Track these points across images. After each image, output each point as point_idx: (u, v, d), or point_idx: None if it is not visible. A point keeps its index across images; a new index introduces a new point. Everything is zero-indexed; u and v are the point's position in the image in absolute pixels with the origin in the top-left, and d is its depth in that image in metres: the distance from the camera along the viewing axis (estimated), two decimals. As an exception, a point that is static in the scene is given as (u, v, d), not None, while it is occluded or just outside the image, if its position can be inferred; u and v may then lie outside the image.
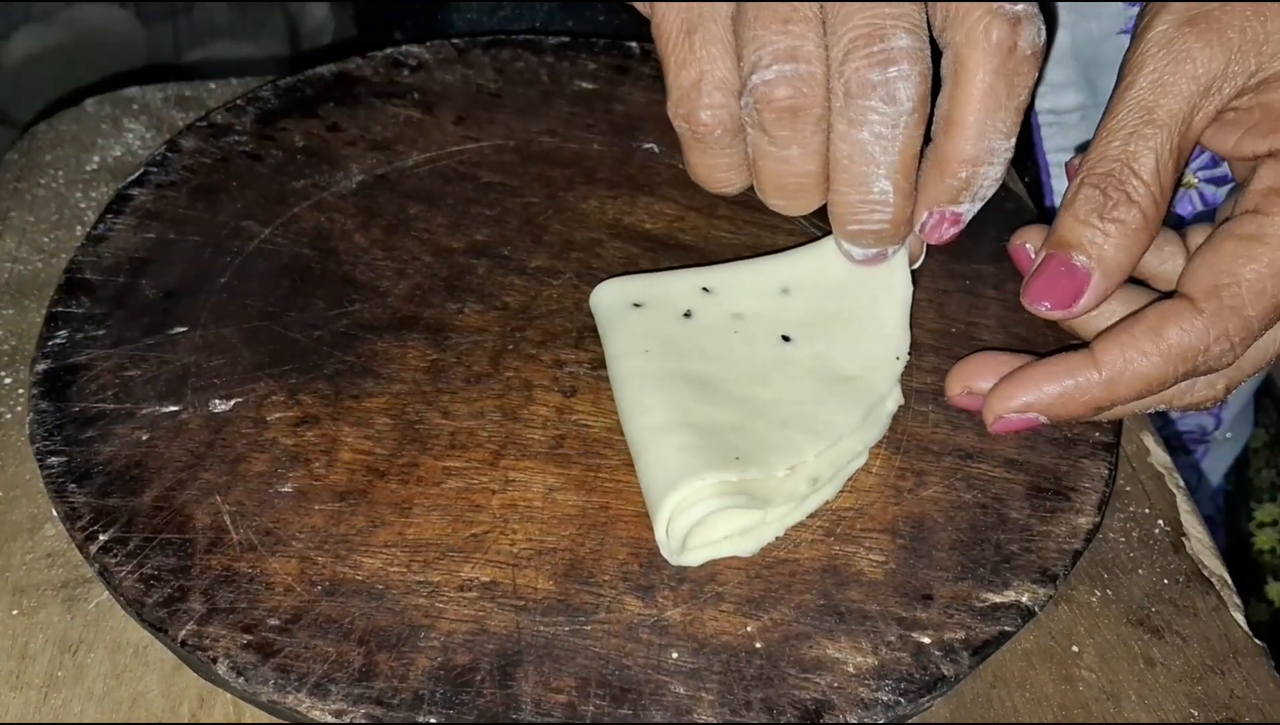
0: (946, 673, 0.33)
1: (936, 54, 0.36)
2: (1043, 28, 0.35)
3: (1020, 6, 0.35)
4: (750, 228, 0.46)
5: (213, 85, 0.55)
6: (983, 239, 0.45)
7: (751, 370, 0.39)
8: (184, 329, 0.41)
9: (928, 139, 0.37)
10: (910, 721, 0.34)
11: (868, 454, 0.38)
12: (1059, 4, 0.54)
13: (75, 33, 1.16)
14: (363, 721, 0.31)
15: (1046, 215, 0.48)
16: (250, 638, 0.33)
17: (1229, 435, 0.70)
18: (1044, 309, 0.37)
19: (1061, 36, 0.54)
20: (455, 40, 0.54)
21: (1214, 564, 0.39)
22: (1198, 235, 0.39)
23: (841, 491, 0.37)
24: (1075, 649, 0.37)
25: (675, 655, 0.33)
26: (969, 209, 0.38)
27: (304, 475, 0.37)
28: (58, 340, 0.40)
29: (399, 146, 0.49)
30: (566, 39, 0.55)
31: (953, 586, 0.35)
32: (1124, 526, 0.40)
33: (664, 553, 0.35)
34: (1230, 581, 0.39)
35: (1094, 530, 0.37)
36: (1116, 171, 0.36)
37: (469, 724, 0.31)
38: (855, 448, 0.38)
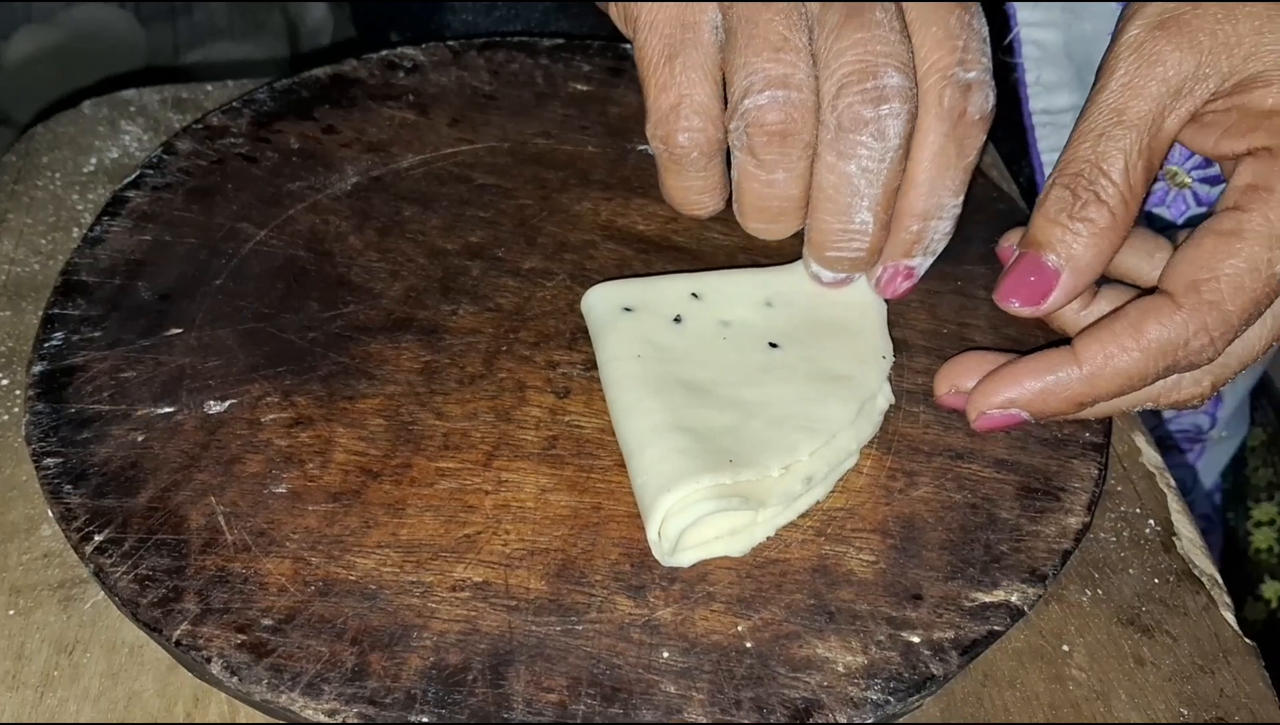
0: (935, 672, 0.33)
1: None
2: (992, 93, 0.37)
3: (972, 74, 0.37)
4: (742, 229, 0.46)
5: (209, 87, 0.55)
6: (974, 241, 0.45)
7: (742, 373, 0.39)
8: (179, 331, 0.41)
9: None
10: (900, 720, 0.34)
11: (859, 454, 0.39)
12: (1055, 3, 0.54)
13: (75, 33, 1.16)
14: (355, 721, 0.32)
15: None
16: (244, 637, 0.33)
17: (1224, 434, 0.70)
18: (1014, 306, 0.38)
19: (1054, 37, 0.55)
20: (450, 42, 0.54)
21: (1204, 563, 0.40)
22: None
23: (832, 492, 0.38)
24: (1066, 648, 0.37)
25: (666, 655, 0.33)
26: (921, 263, 0.40)
27: (298, 476, 0.37)
28: (54, 342, 0.41)
29: (394, 148, 0.49)
30: (561, 41, 0.55)
31: (942, 586, 0.35)
32: (1115, 526, 0.40)
33: (656, 554, 0.35)
34: (1220, 581, 0.39)
35: (1084, 530, 0.37)
36: (1086, 172, 0.36)
37: (461, 723, 0.32)
38: (849, 446, 0.38)
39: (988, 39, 0.38)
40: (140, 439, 0.38)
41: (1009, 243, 0.41)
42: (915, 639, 0.34)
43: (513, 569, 0.35)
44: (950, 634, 0.34)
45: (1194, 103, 0.37)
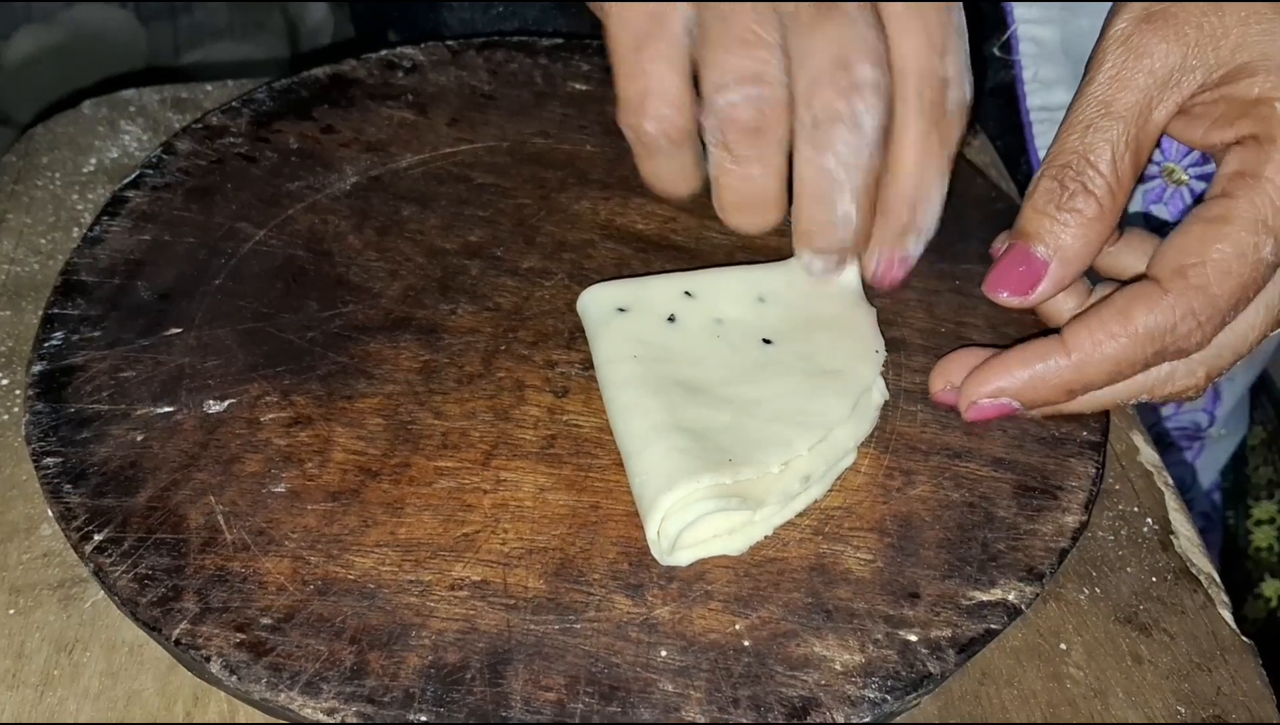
0: (933, 670, 0.33)
1: None
2: (969, 86, 0.39)
3: (950, 69, 0.38)
4: (741, 228, 0.46)
5: (209, 87, 0.56)
6: (972, 239, 0.45)
7: (738, 371, 0.39)
8: (179, 330, 0.41)
9: None
10: (898, 719, 0.34)
11: (856, 453, 0.39)
12: (1052, 1, 0.54)
13: (75, 33, 1.16)
14: (354, 720, 0.32)
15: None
16: (243, 636, 0.33)
17: (1223, 432, 0.70)
18: (1003, 297, 0.39)
19: (1051, 33, 0.55)
20: (449, 42, 0.55)
21: (1202, 562, 0.40)
22: None
23: (830, 491, 0.38)
24: (1063, 646, 0.37)
25: (664, 653, 0.33)
26: (915, 250, 0.41)
27: (297, 475, 0.37)
28: (54, 342, 0.41)
29: (393, 148, 0.49)
30: (560, 40, 0.55)
31: (940, 585, 0.35)
32: (1112, 524, 0.40)
33: (654, 553, 0.36)
34: (1218, 579, 0.39)
35: (1081, 529, 0.37)
36: (1074, 163, 0.37)
37: (459, 722, 0.32)
38: (846, 443, 0.38)
39: (965, 33, 0.39)
40: (140, 438, 0.38)
41: (1003, 244, 0.41)
42: (912, 638, 0.34)
43: (511, 568, 0.35)
44: (947, 632, 0.34)
45: (1181, 94, 0.37)
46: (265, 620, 0.34)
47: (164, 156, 0.48)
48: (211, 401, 0.39)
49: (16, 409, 0.42)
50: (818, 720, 0.32)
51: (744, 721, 0.32)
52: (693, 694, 0.33)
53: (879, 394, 0.40)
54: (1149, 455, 0.43)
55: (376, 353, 0.41)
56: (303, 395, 0.40)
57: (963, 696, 0.36)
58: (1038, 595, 0.36)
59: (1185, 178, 0.55)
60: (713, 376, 0.39)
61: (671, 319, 0.40)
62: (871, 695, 0.33)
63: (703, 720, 0.32)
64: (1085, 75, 0.38)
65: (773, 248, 0.45)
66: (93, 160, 0.52)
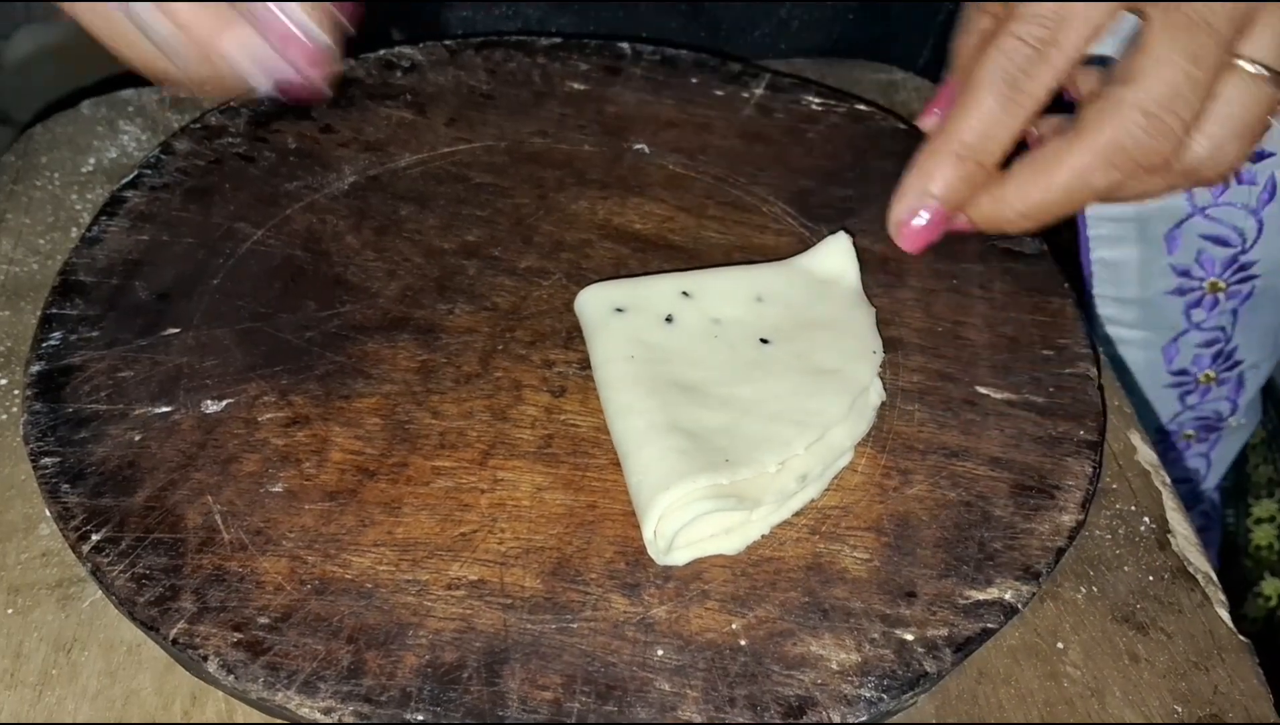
0: (929, 669, 0.33)
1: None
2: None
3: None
4: (739, 228, 0.46)
5: (208, 87, 0.56)
6: (969, 238, 0.45)
7: (735, 371, 0.39)
8: (177, 330, 0.42)
9: None
10: (894, 719, 0.35)
11: (853, 452, 0.39)
12: None
13: (75, 33, 1.16)
14: (351, 719, 0.32)
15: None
16: (240, 636, 0.33)
17: (1242, 422, 0.70)
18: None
19: None
20: (448, 41, 0.55)
21: (1199, 561, 0.40)
22: None
23: (827, 490, 0.38)
24: (1060, 645, 0.37)
25: (660, 652, 0.33)
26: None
27: (294, 475, 0.37)
28: (52, 342, 0.41)
29: (391, 148, 0.49)
30: (559, 40, 0.55)
31: (936, 584, 0.35)
32: (1110, 523, 0.40)
33: (651, 552, 0.36)
34: (1215, 578, 0.39)
35: (1078, 528, 0.37)
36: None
37: (456, 722, 0.32)
38: (843, 442, 0.38)
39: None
40: (137, 438, 0.38)
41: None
42: (909, 636, 0.34)
43: (508, 567, 0.35)
44: (944, 631, 0.34)
45: None
46: (262, 620, 0.34)
47: (162, 156, 0.48)
48: (209, 401, 0.39)
49: (15, 409, 0.42)
50: (814, 719, 0.32)
51: (740, 721, 0.32)
52: (689, 693, 0.33)
53: (876, 395, 0.40)
54: (1146, 454, 0.43)
55: (374, 352, 0.41)
56: (300, 395, 0.40)
57: (960, 695, 0.36)
58: (1034, 594, 0.36)
59: None
60: (710, 376, 0.39)
61: (669, 319, 0.40)
62: (868, 694, 0.33)
63: (699, 719, 0.32)
64: None
65: (771, 248, 0.45)
66: (91, 160, 0.52)
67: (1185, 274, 0.59)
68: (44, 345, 0.41)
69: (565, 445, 0.39)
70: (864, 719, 0.33)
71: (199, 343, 0.41)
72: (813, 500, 0.37)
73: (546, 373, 0.41)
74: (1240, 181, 0.55)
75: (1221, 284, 0.59)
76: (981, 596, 0.35)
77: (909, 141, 0.44)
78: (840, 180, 0.49)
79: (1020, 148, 0.41)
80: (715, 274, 0.43)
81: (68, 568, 0.37)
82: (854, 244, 0.43)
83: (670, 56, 0.54)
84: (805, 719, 0.32)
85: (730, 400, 0.38)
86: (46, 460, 0.37)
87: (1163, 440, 0.69)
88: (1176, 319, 0.61)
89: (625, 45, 0.54)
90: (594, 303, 0.41)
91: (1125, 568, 0.39)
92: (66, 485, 0.37)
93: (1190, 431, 0.69)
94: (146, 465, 0.37)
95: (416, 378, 0.40)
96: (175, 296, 0.43)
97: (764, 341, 0.40)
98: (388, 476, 0.37)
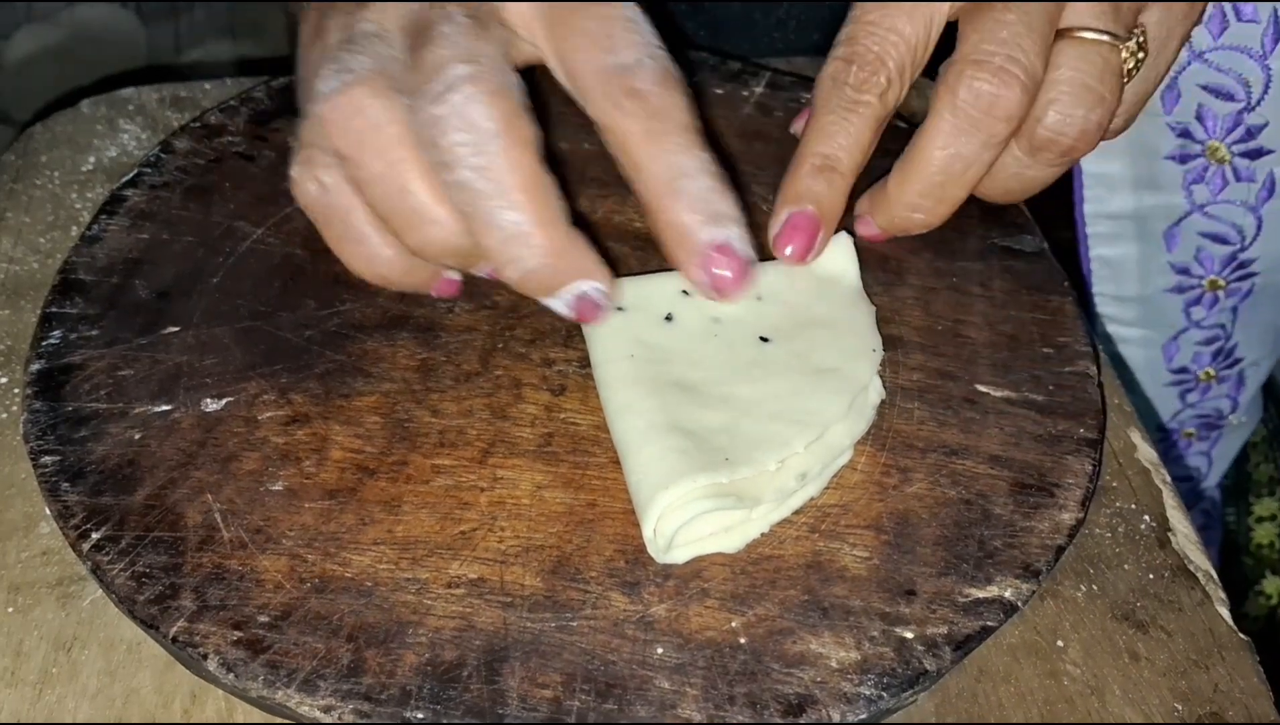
0: (929, 667, 0.33)
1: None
2: (659, 62, 0.38)
3: (628, 58, 0.37)
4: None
5: (207, 86, 0.56)
6: (969, 236, 0.45)
7: (734, 370, 0.39)
8: (176, 329, 0.42)
9: None
10: (894, 717, 0.35)
11: (853, 450, 0.39)
12: None
13: (75, 33, 1.16)
14: (351, 718, 0.32)
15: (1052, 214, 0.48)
16: (240, 634, 0.33)
17: (1243, 420, 0.70)
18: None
19: None
20: (448, 40, 0.54)
21: (1199, 559, 0.40)
22: None
23: (826, 488, 0.38)
24: (1060, 644, 0.37)
25: (660, 651, 0.33)
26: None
27: (294, 473, 0.37)
28: (52, 340, 0.41)
29: (391, 146, 0.49)
30: (558, 38, 0.55)
31: (936, 582, 0.35)
32: (1110, 522, 0.40)
33: (651, 551, 0.36)
34: (1215, 576, 0.39)
35: (1077, 526, 0.37)
36: None
37: (456, 720, 0.32)
38: (843, 441, 0.38)
39: (639, 24, 0.38)
40: (137, 437, 0.38)
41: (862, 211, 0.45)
42: (909, 635, 0.34)
43: (508, 565, 0.35)
44: (944, 630, 0.34)
45: None
46: (262, 618, 0.34)
47: (162, 155, 0.48)
48: (209, 400, 0.39)
49: (15, 407, 0.42)
50: (814, 718, 0.32)
51: (740, 719, 0.32)
52: (689, 691, 0.33)
53: (875, 393, 0.40)
54: (1146, 452, 0.43)
55: (374, 351, 0.41)
56: (300, 393, 0.40)
57: (959, 694, 0.36)
58: (1034, 593, 0.36)
59: (1228, 156, 0.54)
60: (710, 375, 0.39)
61: (669, 318, 0.40)
62: (867, 692, 0.33)
63: (699, 718, 0.32)
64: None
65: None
66: (91, 159, 0.52)
67: (1185, 272, 0.59)
68: (44, 344, 0.41)
69: (565, 443, 0.39)
70: (863, 717, 0.33)
71: (199, 341, 0.41)
72: (812, 498, 0.37)
73: (546, 371, 0.41)
74: (1239, 179, 0.55)
75: (1221, 281, 0.59)
76: (981, 594, 0.35)
77: (907, 140, 0.44)
78: (840, 179, 0.48)
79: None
80: None
81: (68, 566, 0.37)
82: (854, 242, 0.43)
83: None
84: (805, 717, 0.32)
85: (730, 399, 0.38)
86: (46, 458, 0.37)
87: (1163, 438, 0.69)
88: (1176, 317, 0.61)
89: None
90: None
91: (1125, 566, 0.39)
92: (66, 484, 0.37)
93: (1191, 429, 0.69)
94: (146, 464, 0.37)
95: (416, 376, 0.40)
96: (175, 295, 0.43)
97: (764, 340, 0.40)
98: (387, 475, 0.37)
